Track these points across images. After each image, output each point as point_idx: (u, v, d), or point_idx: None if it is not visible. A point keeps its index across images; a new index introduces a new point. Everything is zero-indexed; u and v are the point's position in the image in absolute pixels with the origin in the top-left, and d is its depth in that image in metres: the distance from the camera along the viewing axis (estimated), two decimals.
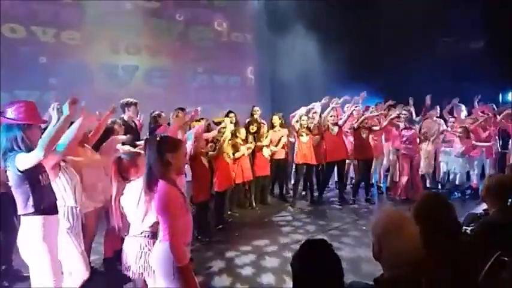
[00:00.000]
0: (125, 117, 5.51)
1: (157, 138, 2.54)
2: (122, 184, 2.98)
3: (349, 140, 7.60)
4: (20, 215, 2.88)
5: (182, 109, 5.94)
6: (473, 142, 7.23)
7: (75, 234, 3.39)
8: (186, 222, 2.51)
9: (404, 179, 7.24)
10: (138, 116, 6.01)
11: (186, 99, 8.47)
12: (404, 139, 7.22)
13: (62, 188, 3.36)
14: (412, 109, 7.67)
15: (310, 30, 9.96)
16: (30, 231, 2.83)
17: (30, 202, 2.79)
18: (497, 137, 7.82)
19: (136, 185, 2.87)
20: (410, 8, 9.11)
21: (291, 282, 1.82)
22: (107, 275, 4.27)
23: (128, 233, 2.94)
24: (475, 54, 9.42)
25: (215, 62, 10.11)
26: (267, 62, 10.69)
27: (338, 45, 9.33)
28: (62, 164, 3.41)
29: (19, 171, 2.73)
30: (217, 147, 6.03)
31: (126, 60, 8.77)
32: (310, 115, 7.30)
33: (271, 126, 7.45)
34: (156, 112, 5.85)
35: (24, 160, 2.71)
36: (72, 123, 3.09)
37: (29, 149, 2.77)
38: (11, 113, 2.82)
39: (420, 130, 7.66)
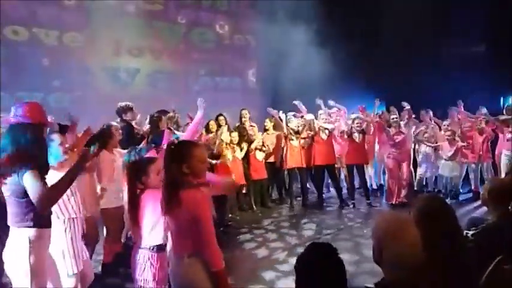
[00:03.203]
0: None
1: (173, 146, 2.43)
2: (135, 190, 2.86)
3: (341, 145, 7.63)
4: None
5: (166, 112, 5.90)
6: (459, 144, 7.16)
7: (77, 243, 3.31)
8: (212, 225, 2.37)
9: (391, 183, 7.21)
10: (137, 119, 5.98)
11: (188, 101, 8.47)
12: (393, 143, 7.16)
13: (66, 198, 3.23)
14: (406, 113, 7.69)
15: (312, 32, 9.97)
16: (22, 244, 2.62)
17: (30, 215, 2.61)
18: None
19: (148, 196, 2.78)
20: (411, 10, 9.12)
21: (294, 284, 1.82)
22: (106, 280, 4.25)
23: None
24: (476, 58, 9.42)
25: (217, 64, 10.15)
26: (268, 64, 10.70)
27: (340, 47, 9.34)
28: None
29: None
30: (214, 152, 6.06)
31: (128, 63, 8.79)
32: (299, 119, 7.33)
33: (264, 130, 7.50)
34: (157, 114, 5.84)
35: (32, 187, 2.53)
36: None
37: (37, 151, 2.67)
38: (18, 113, 2.70)
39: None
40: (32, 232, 2.64)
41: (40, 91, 7.31)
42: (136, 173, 2.86)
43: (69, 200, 3.26)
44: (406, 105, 7.85)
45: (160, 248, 2.79)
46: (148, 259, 2.77)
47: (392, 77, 9.57)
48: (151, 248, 2.77)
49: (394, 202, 7.15)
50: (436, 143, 7.54)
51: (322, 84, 9.07)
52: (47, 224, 2.78)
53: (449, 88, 8.28)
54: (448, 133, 7.24)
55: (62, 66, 7.61)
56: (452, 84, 8.44)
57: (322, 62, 9.46)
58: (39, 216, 2.65)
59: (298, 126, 7.22)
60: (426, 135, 7.56)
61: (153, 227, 2.75)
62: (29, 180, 2.52)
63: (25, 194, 2.57)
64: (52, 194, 2.57)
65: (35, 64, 7.33)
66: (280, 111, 7.43)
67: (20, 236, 2.64)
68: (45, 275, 2.76)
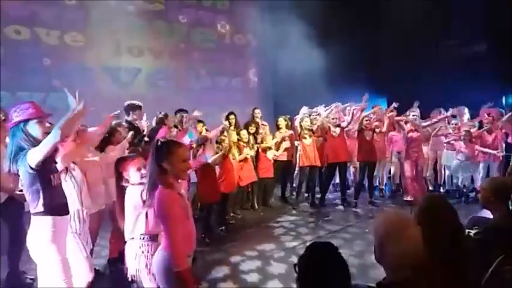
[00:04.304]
0: (129, 119, 5.51)
1: (157, 144, 2.50)
2: (124, 185, 2.98)
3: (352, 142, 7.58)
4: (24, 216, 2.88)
5: (185, 111, 5.95)
6: (477, 147, 7.17)
7: (81, 237, 3.40)
8: (187, 228, 2.46)
9: (409, 182, 7.19)
10: (144, 118, 5.98)
11: (189, 101, 8.49)
12: (410, 142, 7.16)
13: (68, 191, 3.33)
14: (418, 112, 7.65)
15: (313, 32, 9.96)
16: (39, 231, 2.81)
17: (41, 201, 2.78)
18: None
19: (135, 189, 2.88)
20: (412, 9, 9.09)
21: (295, 286, 1.81)
22: (112, 276, 4.28)
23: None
24: (477, 57, 9.39)
25: (218, 64, 10.16)
26: (269, 63, 10.70)
27: (341, 46, 9.32)
28: (71, 165, 3.43)
29: (31, 168, 2.69)
30: (222, 150, 6.03)
31: (129, 62, 8.80)
32: (312, 116, 7.31)
33: (277, 128, 7.46)
34: (163, 113, 5.85)
35: (39, 150, 2.67)
36: None
37: (35, 146, 2.75)
38: (14, 116, 2.83)
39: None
40: (47, 219, 2.81)
41: (41, 91, 7.32)
42: (119, 169, 3.03)
43: (70, 193, 3.34)
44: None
45: (152, 238, 2.85)
46: (140, 248, 2.85)
47: (392, 76, 9.55)
48: (142, 237, 2.86)
49: (409, 200, 7.12)
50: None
51: (323, 83, 9.07)
52: (61, 212, 2.93)
53: (450, 87, 8.25)
54: (463, 133, 7.18)
55: (62, 65, 7.62)
56: (453, 83, 8.40)
57: (323, 61, 9.45)
58: (51, 203, 2.82)
59: (312, 125, 7.17)
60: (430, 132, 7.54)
61: (137, 218, 2.83)
62: (33, 150, 2.68)
63: (32, 182, 2.76)
64: (62, 122, 2.67)
65: (36, 63, 7.35)
66: (322, 105, 7.43)
67: (38, 223, 2.82)
68: (67, 260, 2.91)
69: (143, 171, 2.97)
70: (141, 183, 2.91)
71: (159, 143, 2.51)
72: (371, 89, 8.70)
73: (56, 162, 3.02)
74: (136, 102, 5.57)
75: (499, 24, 8.67)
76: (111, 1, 8.22)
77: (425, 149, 7.60)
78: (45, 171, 2.80)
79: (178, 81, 9.51)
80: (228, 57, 10.36)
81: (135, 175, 3.00)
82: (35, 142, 2.76)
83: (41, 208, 2.79)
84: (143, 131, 5.63)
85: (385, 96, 8.80)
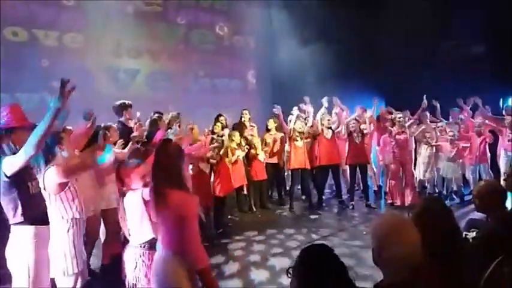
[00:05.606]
0: (122, 119, 5.46)
1: (171, 146, 2.51)
2: (124, 191, 2.92)
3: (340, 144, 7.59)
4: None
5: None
6: (460, 144, 7.16)
7: (79, 243, 3.28)
8: (197, 225, 2.52)
9: (393, 184, 7.20)
10: (136, 118, 5.93)
11: (187, 102, 8.49)
12: (395, 144, 7.15)
13: (71, 198, 3.22)
14: (408, 113, 7.66)
15: (311, 33, 9.98)
16: (19, 242, 2.67)
17: (19, 211, 2.64)
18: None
19: (136, 195, 2.82)
20: (411, 10, 9.10)
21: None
22: (104, 281, 4.25)
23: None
24: (477, 58, 9.39)
25: (216, 65, 10.15)
26: (268, 65, 10.70)
27: (340, 47, 9.34)
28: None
29: (6, 176, 2.59)
30: (219, 153, 6.03)
31: (127, 64, 8.79)
32: (302, 119, 7.32)
33: (267, 130, 7.47)
34: (156, 115, 5.82)
35: (13, 161, 2.57)
36: None
37: (14, 153, 2.66)
38: None
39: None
40: (28, 229, 2.68)
41: (39, 92, 7.29)
42: (121, 175, 2.93)
43: (73, 200, 3.25)
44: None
45: (152, 246, 2.80)
46: (140, 256, 2.80)
47: (392, 77, 9.55)
48: (142, 245, 2.81)
49: (394, 203, 7.12)
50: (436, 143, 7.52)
51: (322, 84, 9.07)
52: (42, 222, 2.79)
53: (449, 88, 8.25)
54: (450, 134, 7.20)
55: (61, 67, 7.58)
56: (452, 84, 8.41)
57: (322, 62, 9.46)
58: (30, 212, 2.69)
59: (302, 127, 7.18)
60: (428, 135, 7.51)
61: (139, 225, 2.78)
62: (8, 159, 2.58)
63: (8, 189, 2.63)
64: (35, 136, 2.53)
65: (34, 65, 7.32)
66: (295, 108, 7.50)
67: (17, 233, 2.69)
68: (44, 272, 2.78)
69: (147, 179, 2.87)
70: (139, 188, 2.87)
71: (173, 144, 2.54)
72: (370, 89, 8.71)
73: (31, 169, 2.87)
74: (127, 101, 5.54)
75: (499, 25, 8.66)
76: (110, 2, 8.20)
77: (427, 151, 7.55)
78: (22, 179, 2.68)
79: (177, 82, 9.49)
80: (227, 59, 10.34)
81: (137, 182, 2.91)
82: (16, 150, 2.64)
83: (20, 218, 2.65)
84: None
85: (384, 96, 8.78)
